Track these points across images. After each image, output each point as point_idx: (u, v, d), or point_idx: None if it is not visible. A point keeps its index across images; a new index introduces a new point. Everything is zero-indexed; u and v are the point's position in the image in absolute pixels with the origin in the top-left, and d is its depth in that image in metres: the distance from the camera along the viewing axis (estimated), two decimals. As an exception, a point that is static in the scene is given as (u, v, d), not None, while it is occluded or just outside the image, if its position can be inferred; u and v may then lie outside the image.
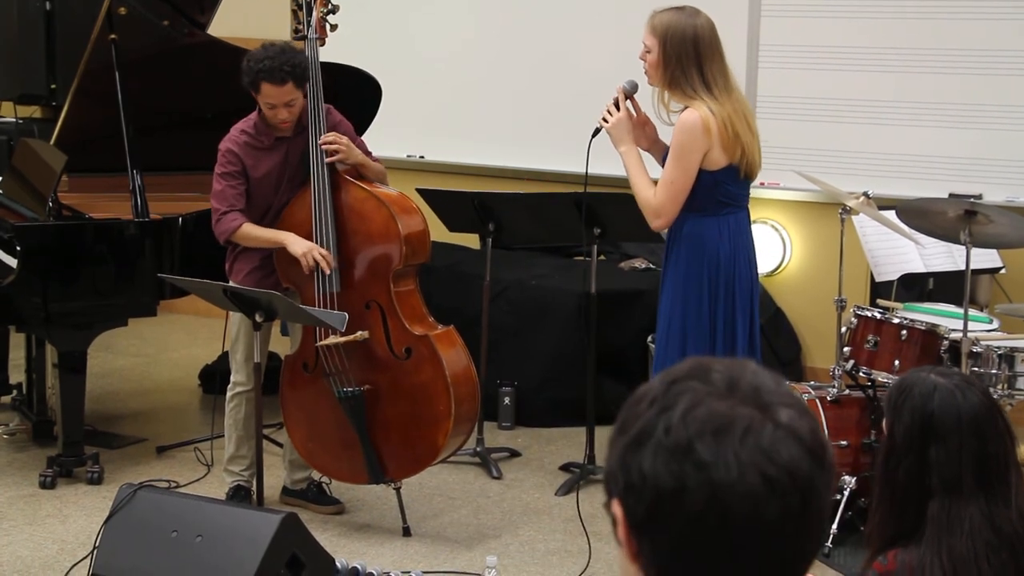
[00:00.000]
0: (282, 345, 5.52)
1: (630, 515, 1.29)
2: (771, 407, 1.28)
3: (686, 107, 4.27)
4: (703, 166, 4.26)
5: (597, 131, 4.50)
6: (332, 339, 4.83)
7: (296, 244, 4.84)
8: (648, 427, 1.28)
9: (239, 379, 5.10)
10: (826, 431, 4.90)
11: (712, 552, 1.26)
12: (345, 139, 4.95)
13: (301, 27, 5.03)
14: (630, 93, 4.48)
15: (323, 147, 4.89)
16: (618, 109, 4.43)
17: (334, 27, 5.08)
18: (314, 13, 5.01)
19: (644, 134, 4.53)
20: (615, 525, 1.32)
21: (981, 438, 2.56)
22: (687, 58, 4.24)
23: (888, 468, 2.63)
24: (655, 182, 4.34)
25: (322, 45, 5.02)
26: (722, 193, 4.31)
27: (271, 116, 4.88)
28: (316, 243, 4.86)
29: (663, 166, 4.40)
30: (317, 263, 4.82)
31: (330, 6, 5.06)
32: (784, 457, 1.25)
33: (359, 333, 4.84)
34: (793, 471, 1.26)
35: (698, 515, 1.25)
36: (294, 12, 5.05)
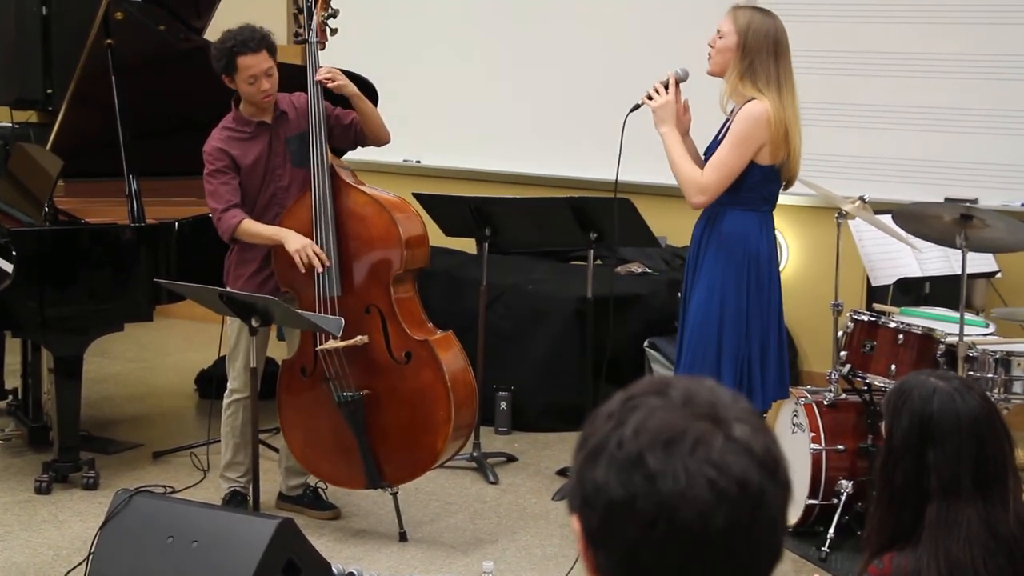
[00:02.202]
0: (279, 351, 5.51)
1: (586, 527, 1.32)
2: (725, 421, 1.30)
3: (751, 99, 4.34)
4: (756, 159, 4.36)
5: (637, 106, 4.54)
6: (332, 343, 4.82)
7: (291, 241, 4.84)
8: (603, 441, 1.31)
9: (236, 386, 5.10)
10: (823, 436, 4.90)
11: (663, 563, 1.27)
12: (337, 70, 4.97)
13: (302, 31, 5.04)
14: (681, 79, 4.52)
15: (321, 80, 4.91)
16: (667, 90, 4.47)
17: (334, 31, 5.09)
18: (315, 17, 5.02)
19: (679, 122, 4.55)
20: (577, 539, 1.35)
21: (980, 441, 2.56)
22: (767, 52, 4.35)
23: (886, 471, 2.63)
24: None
25: (322, 49, 5.03)
26: (767, 190, 4.44)
27: (254, 91, 4.88)
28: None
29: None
30: (313, 262, 4.81)
31: (330, 10, 5.07)
32: (734, 469, 1.27)
33: (359, 337, 4.84)
34: (742, 482, 1.26)
35: (647, 524, 1.26)
36: (295, 16, 5.06)
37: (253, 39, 4.85)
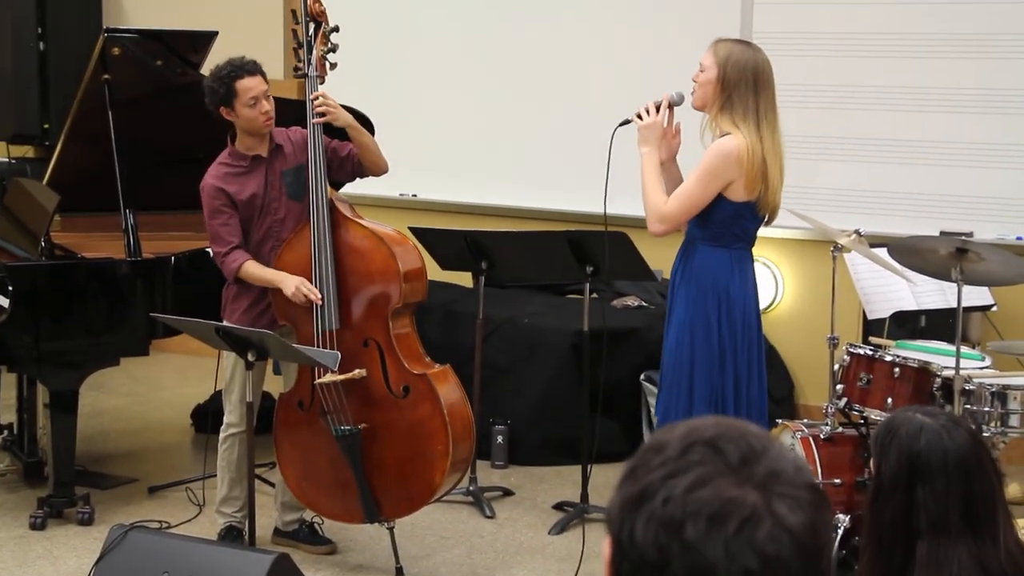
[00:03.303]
0: (275, 385, 5.50)
1: (615, 566, 1.30)
2: (779, 498, 1.26)
3: (727, 133, 4.29)
4: (727, 195, 4.28)
5: (626, 122, 4.48)
6: (330, 377, 4.82)
7: (287, 284, 4.85)
8: (651, 489, 1.28)
9: (232, 420, 5.09)
10: (819, 470, 4.90)
11: None
12: (333, 100, 4.98)
13: (301, 65, 5.06)
14: (674, 103, 4.48)
15: (315, 107, 4.92)
16: (658, 112, 4.42)
17: (334, 65, 5.11)
18: (315, 51, 5.04)
19: (667, 146, 4.51)
20: (604, 563, 1.33)
21: (968, 478, 2.55)
22: (745, 85, 4.27)
23: (875, 509, 2.63)
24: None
25: (322, 83, 5.04)
26: (739, 227, 4.35)
27: (256, 114, 4.90)
28: (315, 281, 4.85)
29: (668, 186, 4.43)
30: (309, 297, 4.81)
31: (330, 44, 5.09)
32: (772, 554, 1.24)
33: (357, 371, 4.83)
34: (778, 570, 1.24)
35: None
36: (294, 50, 5.08)
37: (248, 63, 4.93)
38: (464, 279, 6.82)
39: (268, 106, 4.92)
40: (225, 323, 4.90)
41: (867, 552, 2.66)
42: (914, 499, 2.56)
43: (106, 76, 5.59)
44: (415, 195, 7.66)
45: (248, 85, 4.88)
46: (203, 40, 5.90)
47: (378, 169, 5.13)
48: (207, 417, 5.99)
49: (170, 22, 7.51)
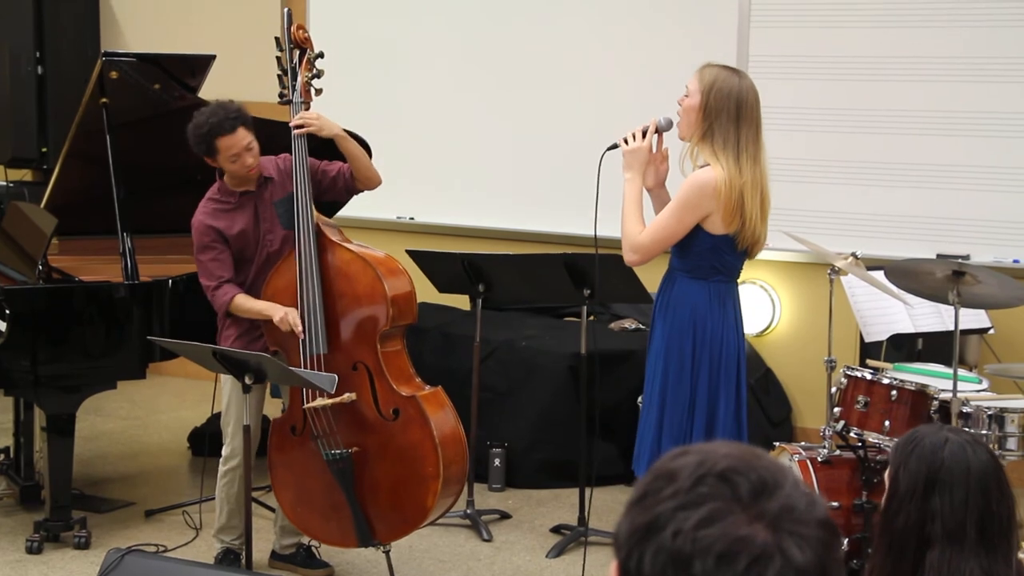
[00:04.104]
0: (274, 409, 5.49)
1: None
2: (791, 536, 1.25)
3: (706, 164, 4.21)
4: (706, 227, 4.20)
5: (614, 146, 4.40)
6: (319, 401, 4.81)
7: (275, 314, 4.85)
8: (662, 520, 1.27)
9: (232, 452, 5.07)
10: (817, 492, 4.88)
11: None
12: (315, 112, 4.97)
13: (286, 92, 5.06)
14: (662, 129, 4.40)
15: (297, 126, 4.92)
16: (644, 137, 4.35)
17: (319, 91, 5.11)
18: (299, 78, 5.04)
19: (655, 172, 4.44)
20: None
21: (987, 495, 2.56)
22: (726, 114, 4.17)
23: (888, 515, 2.62)
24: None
25: (307, 109, 5.04)
26: (718, 260, 4.25)
27: (239, 168, 4.91)
28: (302, 306, 4.86)
29: (656, 211, 4.39)
30: (295, 330, 4.81)
31: (315, 71, 5.09)
32: None
33: (346, 395, 4.83)
34: None
35: None
36: (279, 77, 5.07)
37: (228, 119, 4.87)
38: (462, 302, 6.83)
39: (250, 160, 4.91)
40: (220, 346, 4.90)
41: (875, 559, 2.65)
42: (930, 507, 2.56)
43: (104, 100, 5.60)
44: (412, 218, 7.67)
45: (227, 144, 4.87)
46: (201, 64, 5.91)
47: (371, 183, 5.13)
48: (204, 440, 5.99)
49: (168, 46, 7.53)
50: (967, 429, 2.98)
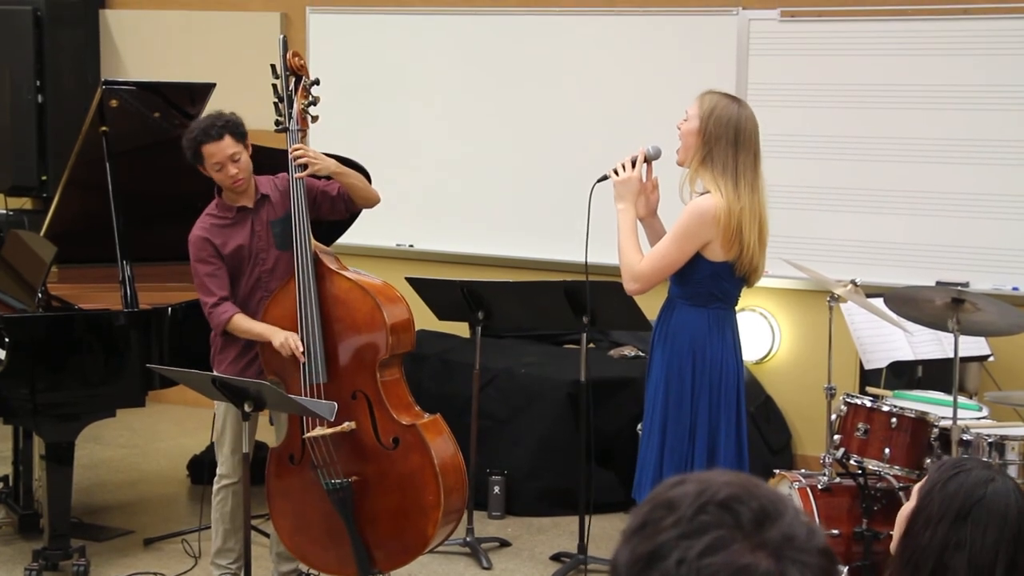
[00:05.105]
0: (270, 435, 5.48)
1: None
2: (791, 564, 1.25)
3: (706, 192, 4.22)
4: (705, 255, 4.21)
5: (604, 178, 4.41)
6: (319, 431, 4.80)
7: (275, 337, 4.85)
8: (663, 549, 1.26)
9: (224, 471, 5.06)
10: (817, 520, 4.88)
11: None
12: (313, 150, 4.98)
13: (282, 119, 5.07)
14: (651, 158, 4.40)
15: (294, 160, 4.93)
16: (633, 167, 4.36)
17: (315, 118, 5.12)
18: (295, 105, 5.05)
19: (646, 201, 4.44)
20: None
21: (1019, 545, 2.53)
22: (725, 140, 4.19)
23: (915, 528, 2.58)
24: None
25: (303, 136, 5.05)
26: (717, 288, 4.26)
27: (223, 177, 4.91)
28: (301, 333, 4.85)
29: (651, 240, 4.39)
30: (295, 354, 4.81)
31: (311, 98, 5.10)
32: None
33: (346, 424, 4.82)
34: None
35: None
36: (275, 105, 5.08)
37: (214, 127, 4.89)
38: (461, 329, 6.83)
39: (235, 170, 4.90)
40: (219, 374, 4.89)
41: (896, 562, 2.63)
42: (957, 536, 2.53)
43: (104, 128, 5.61)
44: (411, 245, 7.67)
45: (211, 151, 4.88)
46: (200, 92, 5.93)
47: (370, 203, 5.18)
48: (203, 468, 5.97)
49: (168, 74, 7.55)
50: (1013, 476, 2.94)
